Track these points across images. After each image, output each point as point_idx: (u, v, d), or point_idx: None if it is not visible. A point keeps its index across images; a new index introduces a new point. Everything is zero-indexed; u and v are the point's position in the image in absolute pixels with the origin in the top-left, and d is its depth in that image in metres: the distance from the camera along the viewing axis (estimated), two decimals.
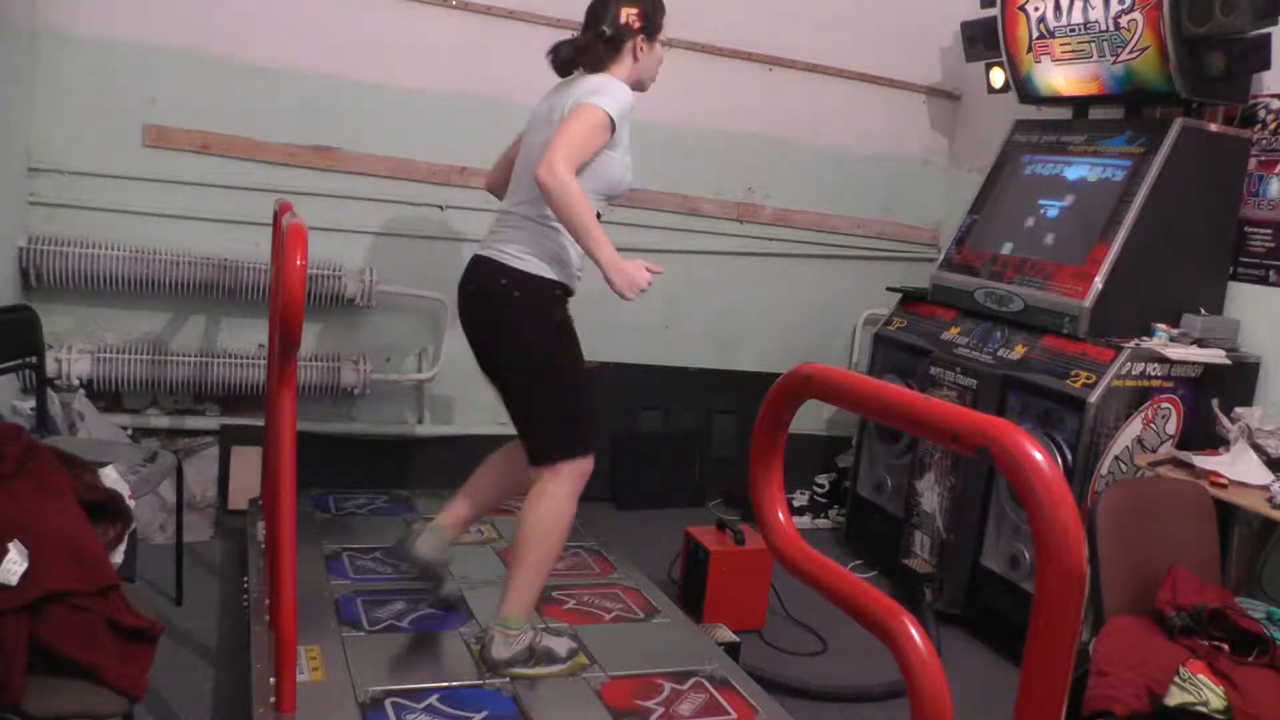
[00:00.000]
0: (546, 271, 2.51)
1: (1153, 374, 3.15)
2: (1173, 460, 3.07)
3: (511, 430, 2.64)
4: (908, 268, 4.72)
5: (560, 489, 2.49)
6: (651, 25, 2.62)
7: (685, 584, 3.33)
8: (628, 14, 2.58)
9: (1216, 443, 3.15)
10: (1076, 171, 3.64)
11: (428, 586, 2.92)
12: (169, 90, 3.59)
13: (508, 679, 2.47)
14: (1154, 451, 3.17)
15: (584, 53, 2.59)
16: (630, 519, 4.21)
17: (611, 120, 2.41)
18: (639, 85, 2.65)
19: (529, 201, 2.51)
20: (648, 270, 2.44)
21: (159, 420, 3.74)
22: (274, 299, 2.78)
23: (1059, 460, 3.13)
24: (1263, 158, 3.40)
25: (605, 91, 2.45)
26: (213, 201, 3.68)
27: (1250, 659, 2.27)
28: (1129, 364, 3.10)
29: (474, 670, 2.52)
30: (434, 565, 2.83)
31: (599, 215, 2.49)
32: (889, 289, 4.27)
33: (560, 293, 2.56)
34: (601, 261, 2.36)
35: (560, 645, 2.62)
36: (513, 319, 2.51)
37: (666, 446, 4.48)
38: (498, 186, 2.84)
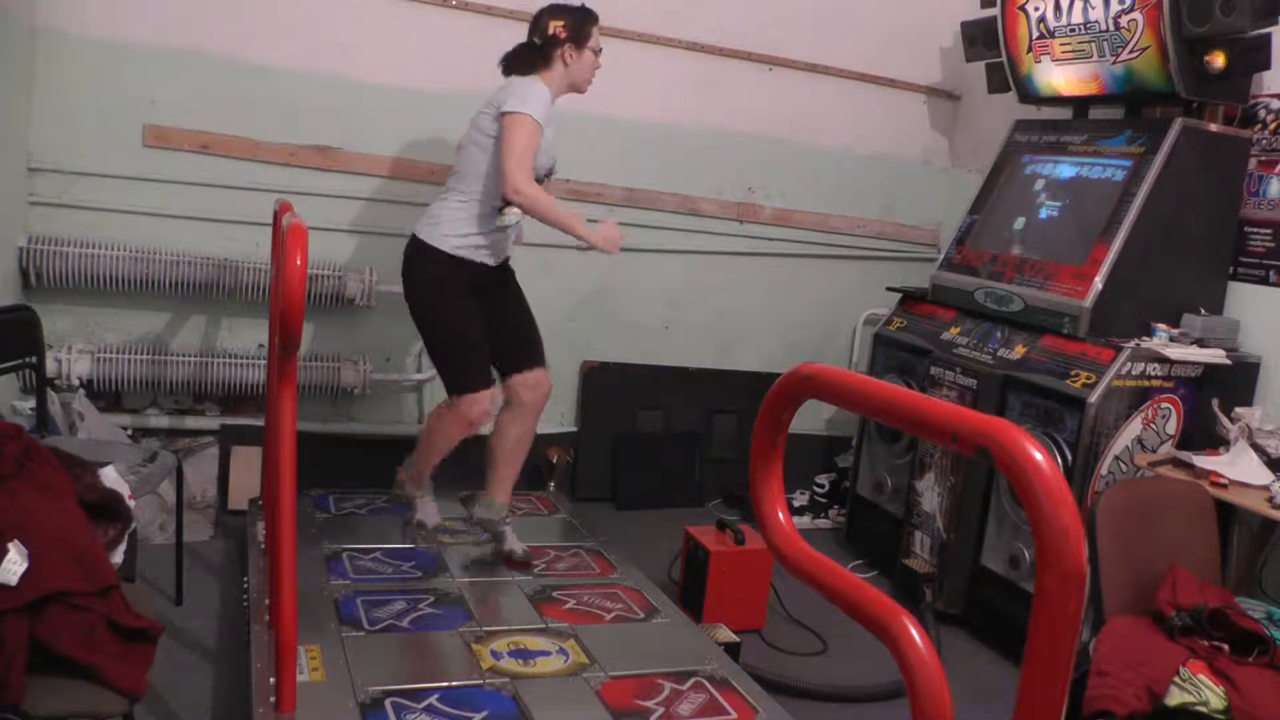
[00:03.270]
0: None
1: (1153, 374, 3.15)
2: (1173, 460, 3.07)
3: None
4: (908, 268, 4.72)
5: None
6: (578, 35, 3.01)
7: (685, 584, 3.33)
8: (554, 26, 3.00)
9: (1216, 443, 3.15)
10: (1076, 171, 3.63)
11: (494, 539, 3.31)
12: (169, 90, 3.59)
13: (508, 679, 2.48)
14: (1154, 451, 3.17)
15: (517, 60, 3.03)
16: (630, 519, 4.20)
17: (537, 121, 2.86)
18: (575, 88, 3.08)
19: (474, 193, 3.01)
20: (616, 226, 3.03)
21: (159, 420, 3.74)
22: (274, 299, 2.78)
23: (1059, 460, 3.13)
24: (1263, 158, 3.40)
25: (525, 97, 2.88)
26: (213, 201, 3.67)
27: (1250, 659, 2.27)
28: (1129, 364, 3.10)
29: (474, 670, 2.52)
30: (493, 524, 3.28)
31: None
32: (889, 289, 4.27)
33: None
34: (581, 235, 2.93)
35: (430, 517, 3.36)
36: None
37: (666, 446, 4.48)
38: None
